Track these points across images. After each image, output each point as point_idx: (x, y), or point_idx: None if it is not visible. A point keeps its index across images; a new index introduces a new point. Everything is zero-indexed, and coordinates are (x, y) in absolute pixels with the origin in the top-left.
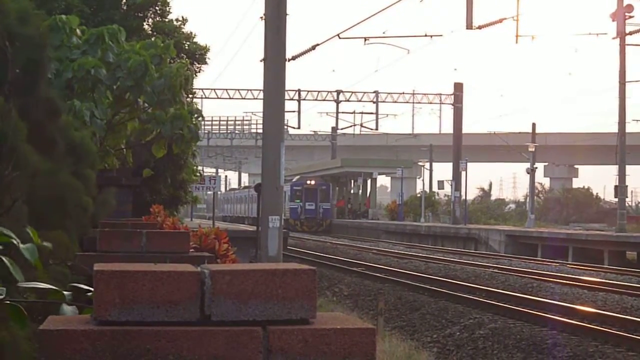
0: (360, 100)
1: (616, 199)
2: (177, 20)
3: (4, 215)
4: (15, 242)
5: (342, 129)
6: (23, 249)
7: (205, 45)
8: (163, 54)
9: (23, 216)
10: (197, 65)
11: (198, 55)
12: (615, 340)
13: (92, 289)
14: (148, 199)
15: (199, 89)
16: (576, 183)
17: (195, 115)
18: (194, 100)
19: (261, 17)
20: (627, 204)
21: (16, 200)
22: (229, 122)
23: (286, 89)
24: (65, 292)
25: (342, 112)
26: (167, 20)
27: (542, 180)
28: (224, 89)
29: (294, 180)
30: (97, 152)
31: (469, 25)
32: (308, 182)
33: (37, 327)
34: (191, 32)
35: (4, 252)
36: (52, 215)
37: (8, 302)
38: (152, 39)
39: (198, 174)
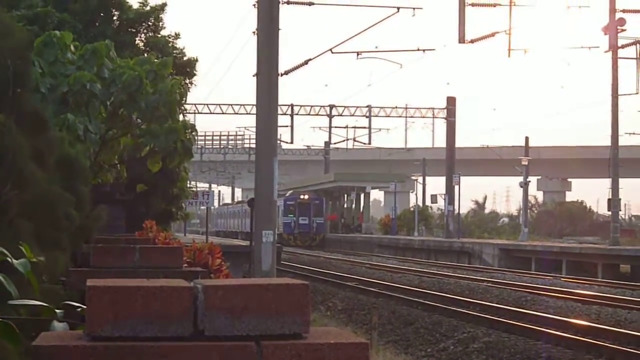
0: (353, 115)
1: (609, 212)
2: (169, 36)
3: (3, 233)
4: (8, 258)
5: (335, 143)
6: (17, 264)
7: (195, 58)
8: (159, 70)
9: (23, 233)
10: (188, 80)
11: (188, 70)
12: (609, 353)
13: (83, 306)
14: (142, 214)
15: (192, 104)
16: (569, 196)
17: (189, 130)
18: (187, 115)
19: (254, 32)
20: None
21: (13, 218)
22: (222, 137)
23: (279, 103)
24: (57, 310)
25: (335, 127)
26: (159, 35)
27: (536, 193)
28: (216, 104)
29: (287, 194)
30: (91, 167)
31: (462, 40)
32: (301, 196)
33: (29, 344)
34: (183, 48)
35: None
36: (43, 231)
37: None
38: (146, 54)
39: (190, 189)
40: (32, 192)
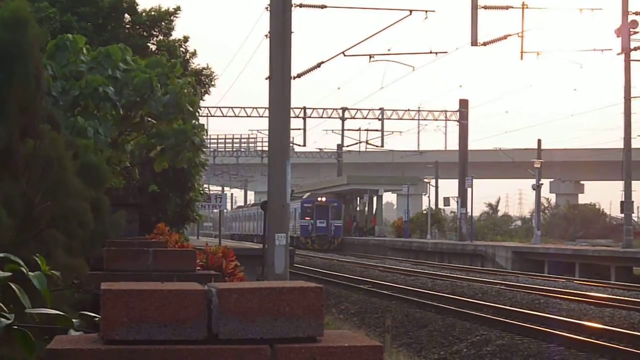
0: (365, 118)
1: (622, 215)
2: (179, 40)
3: (34, 241)
4: (24, 270)
5: (347, 146)
6: (32, 277)
7: (210, 68)
8: (169, 73)
9: (51, 243)
10: (202, 88)
11: (201, 78)
12: (623, 356)
13: (98, 316)
14: (154, 218)
15: (205, 107)
16: (582, 199)
17: (198, 130)
18: (199, 118)
19: (266, 35)
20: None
21: (43, 229)
22: (235, 140)
23: (292, 106)
24: (74, 320)
25: (348, 130)
26: (171, 39)
27: (548, 196)
28: (229, 107)
29: (304, 197)
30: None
31: (474, 42)
32: (319, 199)
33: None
34: (195, 50)
35: (14, 278)
36: (70, 240)
37: (15, 327)
38: (157, 56)
39: (202, 193)
40: (65, 203)
